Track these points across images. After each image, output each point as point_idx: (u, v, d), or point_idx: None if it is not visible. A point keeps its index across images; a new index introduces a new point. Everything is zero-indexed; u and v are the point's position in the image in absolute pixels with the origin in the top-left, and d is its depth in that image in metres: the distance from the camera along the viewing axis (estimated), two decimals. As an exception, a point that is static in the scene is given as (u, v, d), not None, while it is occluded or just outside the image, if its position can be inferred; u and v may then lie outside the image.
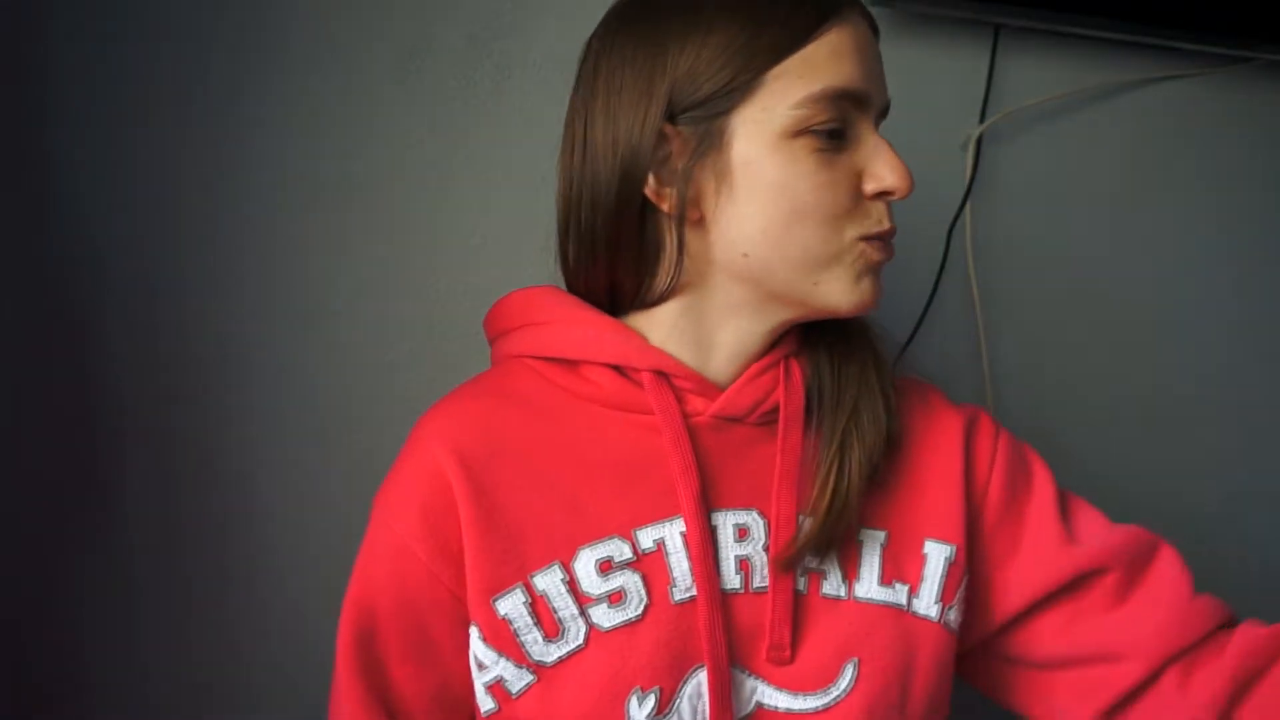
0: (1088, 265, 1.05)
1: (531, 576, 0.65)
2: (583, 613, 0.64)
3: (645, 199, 0.65)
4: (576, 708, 0.63)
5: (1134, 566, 0.71)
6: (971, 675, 0.77)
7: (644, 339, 0.68)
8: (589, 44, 0.69)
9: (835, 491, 0.66)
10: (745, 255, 0.65)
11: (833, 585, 0.67)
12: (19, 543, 0.92)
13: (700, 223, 0.66)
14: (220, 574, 0.96)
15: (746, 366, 0.69)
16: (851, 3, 0.65)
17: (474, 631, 0.65)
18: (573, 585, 0.65)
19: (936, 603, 0.68)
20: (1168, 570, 0.72)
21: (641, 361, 0.67)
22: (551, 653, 0.64)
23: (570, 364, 0.69)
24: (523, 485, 0.66)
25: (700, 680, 0.64)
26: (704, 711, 0.64)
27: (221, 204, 0.94)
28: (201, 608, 0.97)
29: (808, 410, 0.69)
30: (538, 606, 0.65)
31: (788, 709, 0.65)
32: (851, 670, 0.65)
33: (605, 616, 0.64)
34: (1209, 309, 1.07)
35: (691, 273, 0.67)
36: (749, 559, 0.66)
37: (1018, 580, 0.72)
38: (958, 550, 0.70)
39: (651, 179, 0.65)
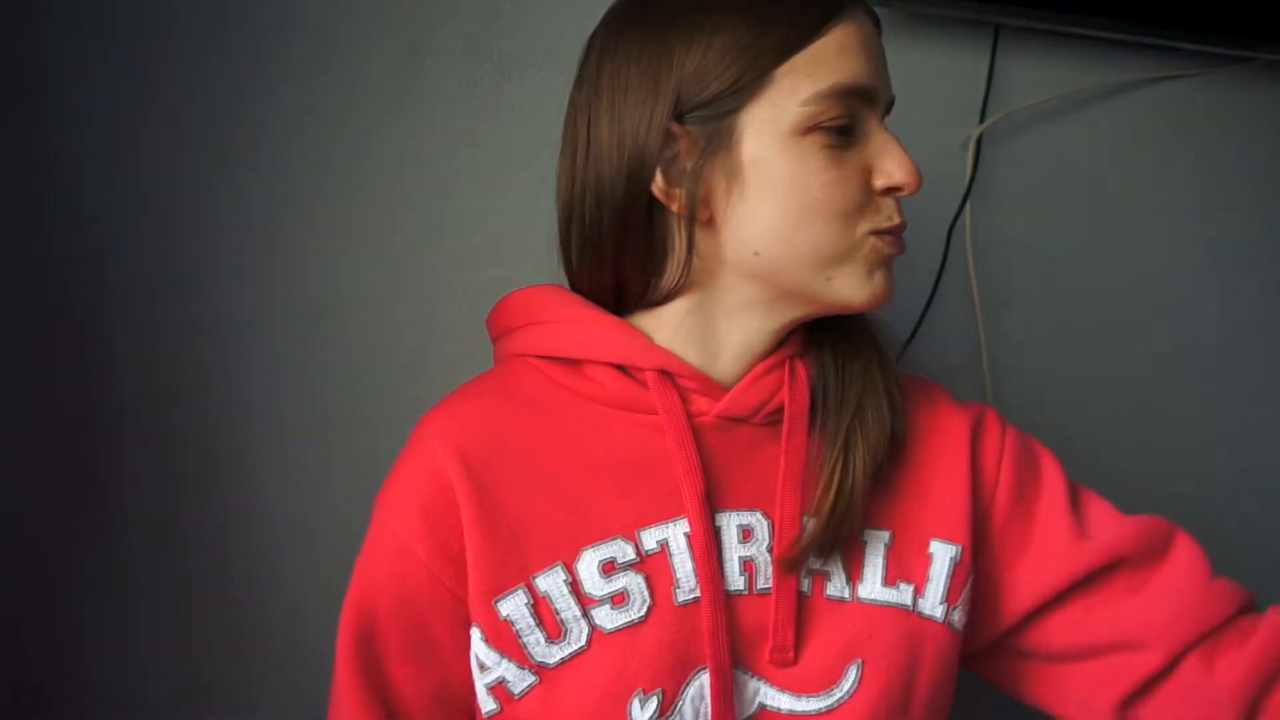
0: (1087, 265, 1.05)
1: (534, 577, 0.65)
2: (585, 614, 0.64)
3: (651, 197, 0.65)
4: (578, 709, 0.63)
5: (1149, 555, 0.71)
6: (983, 669, 0.76)
7: (648, 338, 0.68)
8: (591, 42, 0.69)
9: (839, 492, 0.66)
10: (757, 254, 0.65)
11: (837, 586, 0.67)
12: (19, 543, 0.92)
13: (710, 222, 0.65)
14: (220, 574, 0.96)
15: (752, 366, 0.69)
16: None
17: (476, 632, 0.65)
18: (575, 586, 0.64)
19: (941, 603, 0.68)
20: (1183, 556, 0.71)
21: (646, 361, 0.67)
22: (554, 654, 0.64)
23: (574, 363, 0.69)
24: (525, 485, 0.66)
25: (703, 682, 0.64)
26: (706, 714, 0.64)
27: (222, 204, 0.94)
28: (201, 608, 0.97)
29: (812, 410, 0.69)
30: (540, 607, 0.64)
31: (790, 710, 0.65)
32: (855, 671, 0.65)
33: (608, 618, 0.64)
34: (1209, 308, 1.07)
35: (700, 271, 0.67)
36: (753, 560, 0.66)
37: (1028, 578, 0.71)
38: (963, 550, 0.69)
39: (659, 178, 0.64)
